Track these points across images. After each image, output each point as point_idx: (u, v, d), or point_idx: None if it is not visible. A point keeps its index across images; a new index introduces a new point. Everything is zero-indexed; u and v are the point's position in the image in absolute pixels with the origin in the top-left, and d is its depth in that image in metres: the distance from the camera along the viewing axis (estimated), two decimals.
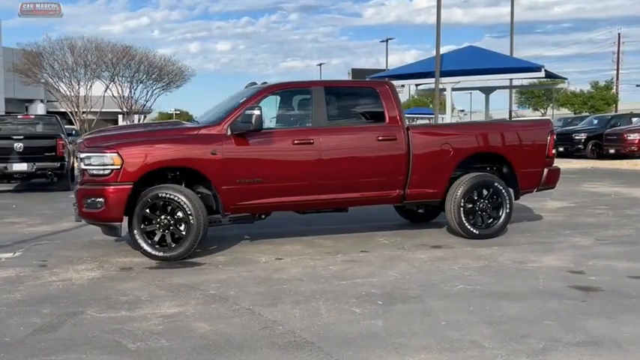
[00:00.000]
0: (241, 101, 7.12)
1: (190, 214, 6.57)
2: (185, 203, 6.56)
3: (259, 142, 6.93)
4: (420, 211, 9.02)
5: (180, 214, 6.62)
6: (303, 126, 7.31)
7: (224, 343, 4.11)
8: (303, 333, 4.29)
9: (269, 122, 7.26)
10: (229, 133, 6.82)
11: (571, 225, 8.69)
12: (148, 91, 33.70)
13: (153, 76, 33.08)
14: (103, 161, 6.54)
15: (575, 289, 5.37)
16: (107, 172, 6.52)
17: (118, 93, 32.79)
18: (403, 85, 22.98)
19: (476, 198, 7.67)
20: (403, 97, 28.80)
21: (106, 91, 32.74)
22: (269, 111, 7.32)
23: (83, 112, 32.14)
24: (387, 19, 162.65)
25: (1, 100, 38.72)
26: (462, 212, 7.58)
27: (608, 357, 3.84)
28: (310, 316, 4.68)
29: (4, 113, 28.14)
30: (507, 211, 7.74)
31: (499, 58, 23.12)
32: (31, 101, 43.02)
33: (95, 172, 6.57)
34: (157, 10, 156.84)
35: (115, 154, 6.51)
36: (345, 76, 33.11)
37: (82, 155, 6.70)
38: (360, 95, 7.71)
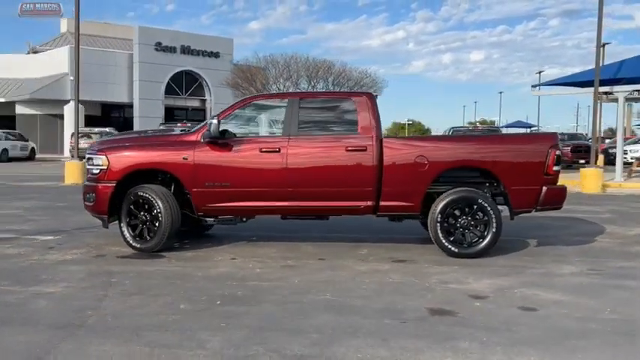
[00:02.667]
0: (219, 112, 7.74)
1: (160, 212, 7.38)
2: (156, 202, 7.39)
3: (229, 149, 7.46)
4: None
5: (155, 211, 7.46)
6: (274, 135, 7.66)
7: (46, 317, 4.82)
8: (114, 318, 4.79)
9: (245, 131, 7.74)
10: (202, 140, 7.49)
11: (597, 252, 7.74)
12: None
13: (352, 88, 34.62)
14: (95, 162, 7.66)
15: (429, 310, 5.06)
16: (97, 171, 7.62)
17: None
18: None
19: (458, 214, 7.32)
20: None
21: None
22: (247, 121, 7.81)
23: None
24: None
25: None
26: (438, 229, 7.29)
27: None
28: (143, 306, 5.15)
29: None
30: (494, 230, 7.23)
31: None
32: None
33: (91, 171, 7.72)
34: (413, 24, 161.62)
35: (104, 157, 7.59)
36: None
37: (87, 156, 7.91)
38: (336, 106, 7.81)
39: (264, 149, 7.43)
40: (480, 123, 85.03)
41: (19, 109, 42.29)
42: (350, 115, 7.55)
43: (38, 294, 5.48)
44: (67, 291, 5.62)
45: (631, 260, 7.28)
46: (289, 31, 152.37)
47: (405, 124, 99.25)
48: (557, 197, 7.47)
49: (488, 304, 5.33)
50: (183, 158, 7.45)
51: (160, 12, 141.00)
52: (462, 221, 7.31)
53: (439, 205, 7.28)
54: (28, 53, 47.50)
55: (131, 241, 7.55)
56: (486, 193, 7.41)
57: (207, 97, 44.96)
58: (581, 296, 5.60)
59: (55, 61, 41.52)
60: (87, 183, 7.83)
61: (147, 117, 40.37)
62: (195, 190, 7.48)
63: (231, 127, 7.62)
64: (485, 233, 7.27)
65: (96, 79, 40.21)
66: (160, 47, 42.49)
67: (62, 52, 41.39)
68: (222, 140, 7.45)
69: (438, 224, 7.29)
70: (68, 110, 39.38)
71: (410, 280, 6.16)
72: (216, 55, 43.23)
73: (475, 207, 7.27)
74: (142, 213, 7.50)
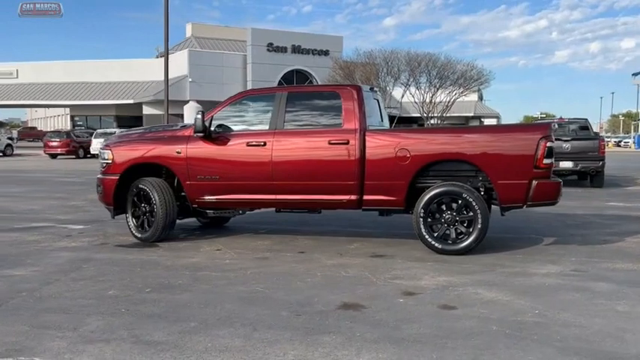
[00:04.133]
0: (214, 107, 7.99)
1: (155, 204, 7.77)
2: (153, 194, 7.78)
3: (219, 143, 7.69)
4: None
5: (152, 203, 7.85)
6: (261, 129, 7.75)
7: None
8: (37, 300, 5.17)
9: (238, 125, 7.90)
10: (195, 135, 7.78)
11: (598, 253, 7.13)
12: (449, 96, 34.48)
13: (455, 81, 33.79)
14: (103, 157, 8.21)
15: (340, 308, 4.96)
16: (105, 165, 8.16)
17: (421, 98, 34.44)
18: None
19: (444, 209, 7.05)
20: None
21: (403, 96, 34.93)
22: (239, 115, 7.97)
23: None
24: None
25: None
26: (421, 224, 7.07)
27: None
28: (77, 290, 5.49)
29: None
30: (479, 226, 6.89)
31: None
32: None
33: (101, 165, 8.27)
34: (556, 12, 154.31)
35: (109, 152, 8.11)
36: None
37: (99, 151, 8.47)
38: (323, 99, 7.72)
39: (251, 143, 7.58)
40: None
41: (146, 110, 45.45)
42: (335, 108, 7.49)
43: (2, 276, 6.01)
44: (30, 274, 6.10)
45: (636, 263, 6.63)
46: (423, 25, 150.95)
47: (537, 117, 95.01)
48: (550, 192, 6.96)
49: (411, 301, 5.14)
50: (177, 152, 7.79)
51: (298, 13, 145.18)
52: (447, 217, 7.04)
53: (422, 199, 7.05)
54: (157, 57, 50.88)
55: (134, 231, 8.00)
56: (478, 187, 7.05)
57: None
58: (523, 297, 5.23)
59: (177, 64, 44.09)
60: (98, 176, 8.39)
61: None
62: (188, 182, 7.79)
63: (225, 121, 7.83)
64: (471, 230, 6.95)
65: (213, 80, 42.30)
66: (271, 48, 43.86)
67: (182, 55, 43.93)
68: (214, 134, 7.69)
69: (421, 219, 7.06)
70: (187, 110, 41.66)
71: (362, 275, 6.05)
72: (325, 52, 43.87)
73: (460, 202, 6.97)
74: (142, 205, 7.93)
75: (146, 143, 8.09)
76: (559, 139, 16.21)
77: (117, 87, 47.90)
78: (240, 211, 8.27)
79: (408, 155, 7.11)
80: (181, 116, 43.28)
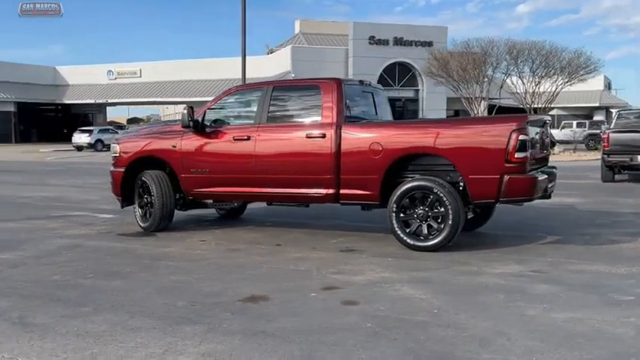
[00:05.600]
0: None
1: (153, 195, 8.18)
2: (152, 186, 8.19)
3: (209, 137, 7.94)
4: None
5: (152, 194, 8.28)
6: (247, 123, 7.89)
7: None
8: (6, 280, 5.69)
9: (229, 120, 8.10)
10: (184, 129, 8.08)
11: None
12: (554, 85, 32.61)
13: (562, 70, 31.91)
14: (113, 150, 8.74)
15: (241, 300, 5.02)
16: (114, 158, 8.70)
17: (523, 88, 32.84)
18: None
19: (417, 204, 6.87)
20: None
21: (501, 87, 33.48)
22: (230, 110, 8.18)
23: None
24: None
25: (444, 101, 43.28)
26: (393, 219, 6.93)
27: None
28: (32, 274, 5.94)
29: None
30: (450, 222, 6.65)
31: None
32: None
33: (112, 158, 8.81)
34: None
35: (117, 146, 8.64)
36: None
37: (111, 145, 9.03)
38: (305, 94, 7.70)
39: (236, 137, 7.77)
40: None
41: None
42: (316, 102, 7.49)
43: None
44: (11, 258, 6.67)
45: (614, 266, 6.12)
46: (560, 11, 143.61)
47: None
48: (523, 188, 6.55)
49: (323, 295, 5.11)
50: (173, 146, 8.14)
51: (426, 5, 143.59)
52: (420, 212, 6.86)
53: (395, 194, 6.92)
54: (268, 54, 52.41)
55: (139, 221, 8.48)
56: (457, 182, 6.80)
57: (419, 87, 44.99)
58: (442, 296, 5.03)
59: (281, 61, 45.19)
60: (110, 169, 8.94)
61: None
62: (183, 175, 8.12)
63: (217, 116, 8.09)
64: (442, 226, 6.72)
65: (315, 75, 42.83)
66: (373, 41, 43.68)
67: (286, 51, 44.92)
68: (208, 129, 7.96)
69: (394, 214, 6.92)
70: None
71: (307, 269, 6.04)
72: (429, 44, 42.95)
73: (431, 197, 6.76)
74: (145, 196, 8.38)
75: (148, 138, 8.52)
76: (636, 131, 15.08)
77: (229, 84, 49.86)
78: (236, 204, 8.50)
79: (381, 149, 6.98)
80: None
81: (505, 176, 6.47)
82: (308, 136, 7.35)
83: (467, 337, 4.05)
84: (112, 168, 8.78)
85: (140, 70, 55.34)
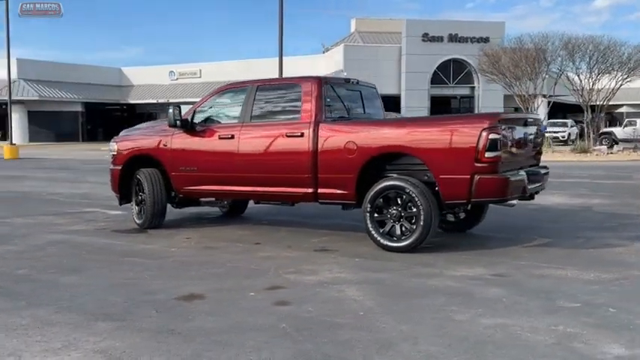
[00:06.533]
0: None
1: (143, 192, 8.35)
2: (144, 184, 8.36)
3: (197, 136, 8.01)
4: (450, 219, 8.00)
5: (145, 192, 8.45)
6: (232, 122, 7.92)
7: None
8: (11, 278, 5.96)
9: (215, 119, 8.15)
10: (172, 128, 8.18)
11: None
12: (613, 81, 31.18)
13: (622, 66, 30.48)
14: (111, 149, 8.96)
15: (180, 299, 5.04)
16: (112, 157, 8.91)
17: (579, 86, 31.57)
18: None
19: (390, 204, 6.75)
20: None
21: (556, 83, 32.21)
22: (218, 109, 8.23)
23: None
24: None
25: (501, 98, 42.17)
26: (367, 219, 6.82)
27: None
28: (15, 269, 6.19)
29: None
30: (422, 223, 6.49)
31: None
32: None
33: (111, 156, 9.03)
34: None
35: (115, 144, 8.85)
36: None
37: (110, 143, 9.26)
38: (287, 92, 7.64)
39: (221, 136, 7.83)
40: None
41: None
42: (296, 100, 7.45)
43: None
44: None
45: (583, 271, 5.82)
46: None
47: None
48: (494, 189, 6.30)
49: (261, 295, 5.07)
50: (164, 145, 8.28)
51: (497, 1, 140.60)
52: (393, 212, 6.73)
53: (369, 194, 6.81)
54: (323, 53, 52.56)
55: (135, 218, 8.68)
56: (435, 182, 6.62)
57: (475, 84, 44.03)
58: (381, 298, 4.94)
59: (334, 60, 45.22)
60: (110, 167, 9.17)
61: (413, 107, 41.36)
62: (173, 173, 8.24)
63: (206, 115, 8.16)
64: (415, 227, 6.57)
65: (368, 74, 42.62)
66: (426, 38, 43.09)
67: (339, 50, 44.89)
68: (198, 127, 8.05)
69: (368, 214, 6.82)
70: None
71: (266, 268, 6.01)
72: (485, 40, 41.90)
73: (404, 197, 6.61)
74: (140, 194, 8.56)
75: (143, 136, 8.69)
76: None
77: None
78: (226, 202, 8.56)
79: (355, 148, 6.89)
80: None
81: (476, 176, 6.25)
82: (287, 135, 7.33)
83: (371, 340, 3.94)
84: (110, 166, 9.01)
85: (200, 70, 56.52)
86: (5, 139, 42.84)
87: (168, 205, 8.61)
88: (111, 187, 9.00)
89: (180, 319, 4.43)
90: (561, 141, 38.40)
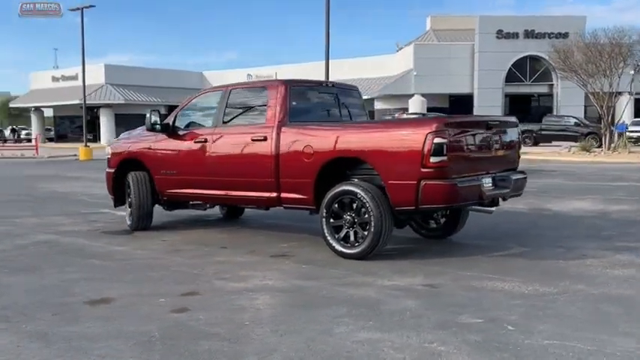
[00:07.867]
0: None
1: (130, 195, 8.56)
2: (131, 187, 8.58)
3: (176, 140, 8.14)
4: (432, 225, 7.75)
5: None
6: (207, 126, 7.95)
7: None
8: None
9: (194, 123, 8.24)
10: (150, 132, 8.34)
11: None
12: None
13: None
14: (107, 152, 9.25)
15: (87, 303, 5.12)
16: (107, 160, 9.20)
17: None
18: None
19: (346, 210, 6.59)
20: None
21: (632, 81, 30.19)
22: (196, 113, 8.30)
23: None
24: None
25: (581, 96, 40.12)
26: (324, 224, 6.70)
27: None
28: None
29: None
30: (372, 230, 6.30)
31: None
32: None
33: (107, 159, 9.32)
34: None
35: (109, 148, 9.13)
36: None
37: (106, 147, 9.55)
38: (256, 96, 7.59)
39: (196, 140, 7.91)
40: None
41: (377, 105, 46.90)
42: (263, 104, 7.42)
43: None
44: None
45: (527, 284, 5.45)
46: None
47: None
48: (440, 195, 5.98)
49: (170, 301, 5.07)
50: (148, 148, 8.46)
51: None
52: (347, 218, 6.56)
53: (325, 199, 6.68)
54: (397, 52, 52.05)
55: (127, 220, 8.92)
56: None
57: (554, 82, 42.09)
58: (282, 308, 4.84)
59: (405, 59, 44.68)
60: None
61: (486, 107, 40.10)
62: (156, 176, 8.41)
63: (186, 119, 8.29)
64: (366, 233, 6.39)
65: (439, 73, 41.93)
66: (501, 34, 41.72)
67: (410, 49, 44.26)
68: (179, 131, 8.18)
69: (324, 219, 6.70)
70: (412, 104, 42.14)
71: (205, 274, 6.02)
72: (564, 35, 40.01)
73: (357, 203, 6.44)
74: (130, 196, 8.79)
75: (135, 140, 8.90)
76: None
77: (364, 83, 50.05)
78: (208, 205, 8.63)
79: (312, 152, 6.78)
80: (406, 110, 43.88)
81: (422, 182, 5.99)
82: (253, 139, 7.30)
83: (228, 352, 3.87)
84: (106, 169, 9.30)
85: (276, 73, 57.37)
86: (95, 141, 45.28)
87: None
88: (107, 189, 9.29)
89: (64, 323, 4.50)
90: None
